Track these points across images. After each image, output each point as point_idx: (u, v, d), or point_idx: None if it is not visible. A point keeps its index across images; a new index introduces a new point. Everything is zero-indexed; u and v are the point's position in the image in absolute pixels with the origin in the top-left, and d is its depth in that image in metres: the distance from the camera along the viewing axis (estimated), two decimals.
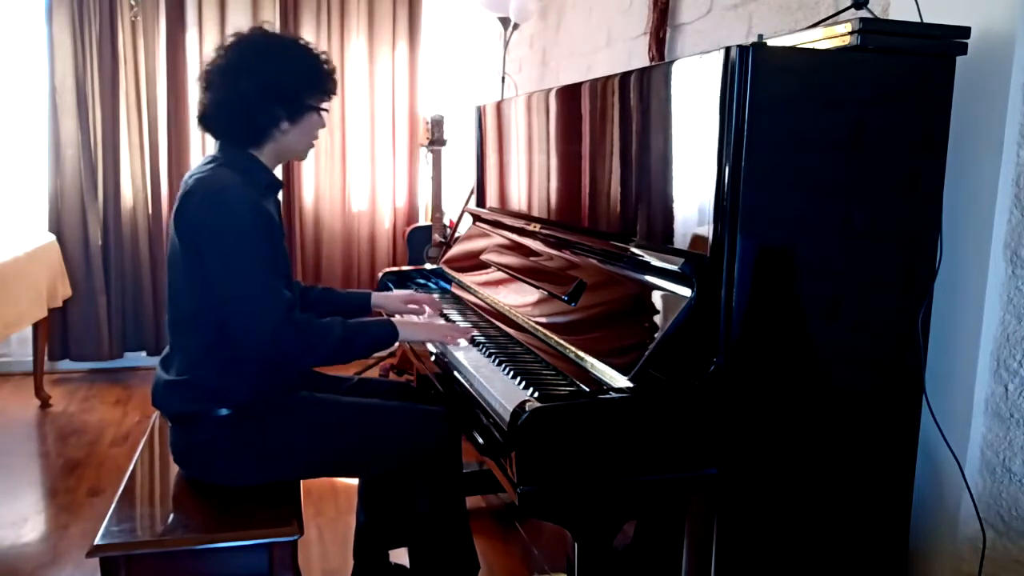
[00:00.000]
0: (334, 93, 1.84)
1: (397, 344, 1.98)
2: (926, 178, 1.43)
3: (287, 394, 1.81)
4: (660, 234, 1.53)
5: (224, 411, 1.73)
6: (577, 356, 1.55)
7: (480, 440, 1.53)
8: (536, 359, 1.73)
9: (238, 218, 1.64)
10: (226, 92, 1.72)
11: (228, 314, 1.67)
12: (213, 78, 1.74)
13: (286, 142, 1.79)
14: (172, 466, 1.88)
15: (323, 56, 1.81)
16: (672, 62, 1.47)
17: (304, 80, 1.76)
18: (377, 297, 2.15)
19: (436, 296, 2.45)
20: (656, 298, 1.47)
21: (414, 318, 2.10)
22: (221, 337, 1.71)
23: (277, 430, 1.76)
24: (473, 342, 1.90)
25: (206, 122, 1.78)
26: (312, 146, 1.86)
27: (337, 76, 1.85)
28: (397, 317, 2.00)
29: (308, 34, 4.30)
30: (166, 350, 1.82)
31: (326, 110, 1.83)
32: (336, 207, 4.49)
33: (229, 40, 1.78)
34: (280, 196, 1.91)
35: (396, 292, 2.26)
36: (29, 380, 3.87)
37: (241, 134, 1.76)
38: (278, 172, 1.87)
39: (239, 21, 4.20)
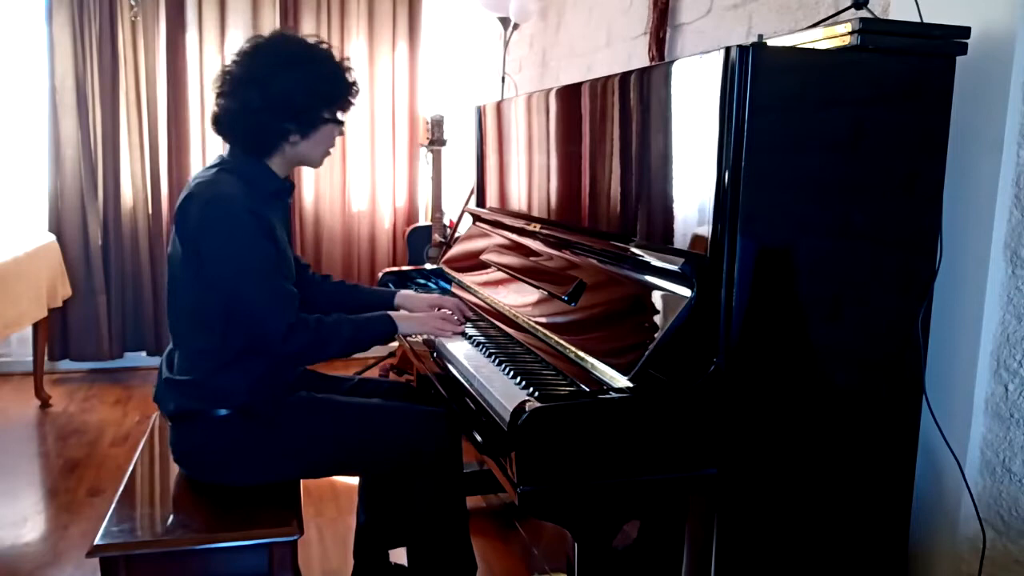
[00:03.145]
0: (352, 104, 1.80)
1: (396, 343, 1.99)
2: (926, 178, 1.43)
3: (287, 394, 1.81)
4: (660, 234, 1.53)
5: (223, 411, 1.73)
6: (577, 356, 1.55)
7: (480, 440, 1.53)
8: (536, 359, 1.72)
9: (237, 225, 1.65)
10: (237, 102, 1.71)
11: (239, 317, 1.69)
12: (227, 85, 1.73)
13: (297, 152, 1.78)
14: (172, 466, 1.88)
15: (344, 64, 1.77)
16: (672, 62, 1.47)
17: (318, 94, 1.73)
18: (401, 298, 2.11)
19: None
20: (656, 298, 1.47)
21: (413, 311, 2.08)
22: (222, 337, 1.72)
23: (277, 430, 1.76)
24: (473, 342, 1.90)
25: (218, 127, 1.77)
26: (328, 155, 1.84)
27: (357, 85, 1.80)
28: (395, 312, 1.98)
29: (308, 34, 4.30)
30: (168, 347, 1.83)
31: (342, 122, 1.81)
32: (336, 207, 4.49)
33: (247, 45, 1.75)
34: (290, 200, 1.90)
35: (422, 296, 2.19)
36: (29, 380, 3.86)
37: (249, 144, 1.76)
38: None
39: (239, 21, 4.20)
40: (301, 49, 1.75)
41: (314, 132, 1.76)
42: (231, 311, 1.69)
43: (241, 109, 1.70)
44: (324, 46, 1.77)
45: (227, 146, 1.80)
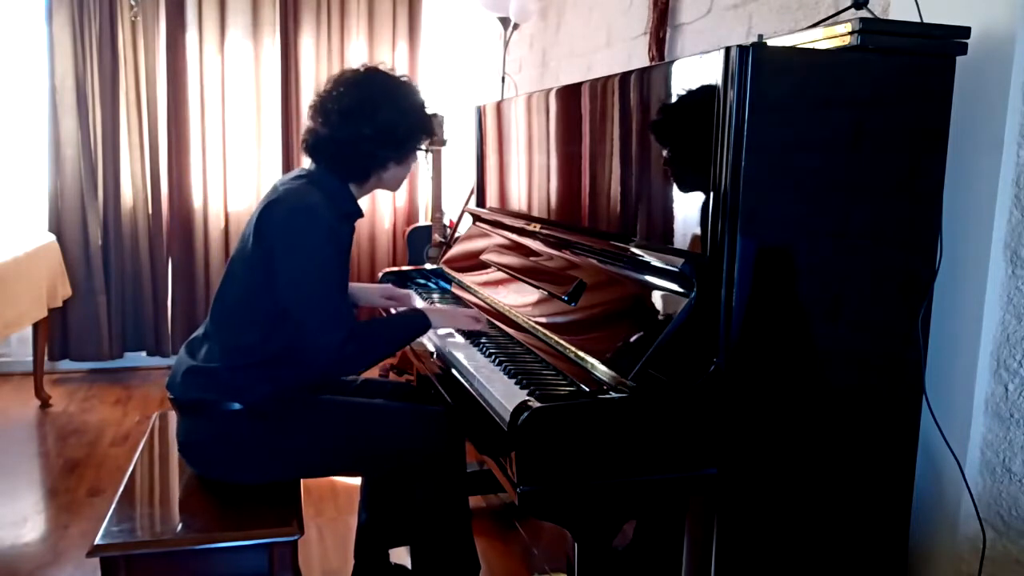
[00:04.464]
0: (436, 134, 1.92)
1: None
2: (926, 178, 1.43)
3: (295, 396, 1.81)
4: (660, 234, 1.53)
5: (236, 406, 1.74)
6: (577, 356, 1.55)
7: (480, 440, 1.53)
8: (536, 359, 1.72)
9: (319, 237, 1.69)
10: (345, 132, 1.76)
11: (297, 325, 1.71)
12: (332, 115, 1.77)
13: (385, 179, 1.86)
14: (172, 466, 1.88)
15: (425, 99, 1.89)
16: (672, 62, 1.47)
17: (416, 125, 1.83)
18: (353, 288, 2.16)
19: (435, 295, 2.46)
20: (656, 298, 1.47)
21: (439, 306, 2.15)
22: (263, 338, 1.75)
23: (282, 430, 1.76)
24: (473, 342, 1.90)
25: (314, 151, 1.81)
26: (405, 179, 1.93)
27: (438, 115, 1.95)
28: (425, 306, 2.02)
29: (308, 34, 4.31)
30: (197, 334, 1.85)
31: (424, 150, 1.91)
32: None
33: (347, 76, 1.81)
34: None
35: (371, 285, 2.30)
36: (29, 380, 3.86)
37: (347, 171, 1.81)
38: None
39: (239, 21, 4.20)
40: (398, 84, 1.85)
41: (406, 160, 1.86)
42: (284, 316, 1.72)
43: (349, 138, 1.76)
44: (405, 78, 1.87)
45: (312, 163, 1.84)
